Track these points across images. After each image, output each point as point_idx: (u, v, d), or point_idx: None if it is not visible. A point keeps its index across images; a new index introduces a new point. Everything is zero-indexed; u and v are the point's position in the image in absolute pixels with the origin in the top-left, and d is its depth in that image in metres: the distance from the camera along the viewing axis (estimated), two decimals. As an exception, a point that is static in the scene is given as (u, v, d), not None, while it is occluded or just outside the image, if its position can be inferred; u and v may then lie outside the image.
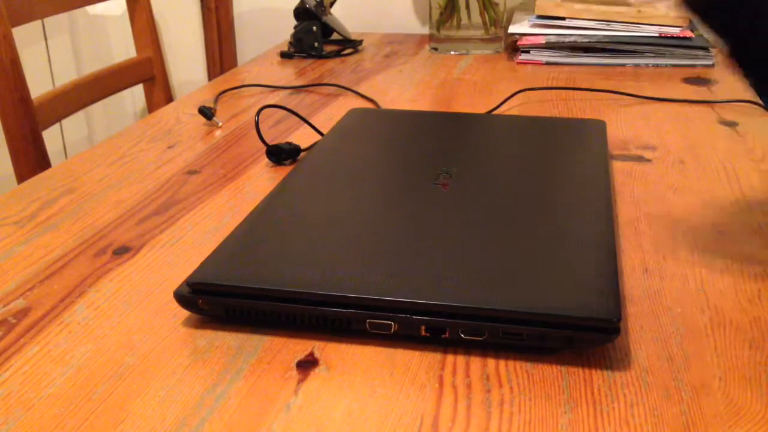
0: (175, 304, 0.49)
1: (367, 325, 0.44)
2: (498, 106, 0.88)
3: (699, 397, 0.40)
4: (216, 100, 0.95)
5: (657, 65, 1.08)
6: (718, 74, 1.03)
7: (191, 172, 0.72)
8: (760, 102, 0.89)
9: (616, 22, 1.10)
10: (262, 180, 0.70)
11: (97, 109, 1.61)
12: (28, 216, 0.63)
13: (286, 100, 0.95)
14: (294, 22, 1.22)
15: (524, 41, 1.11)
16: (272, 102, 0.94)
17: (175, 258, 0.56)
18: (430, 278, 0.45)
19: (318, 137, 0.80)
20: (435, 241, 0.49)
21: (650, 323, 0.46)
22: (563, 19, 1.11)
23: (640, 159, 0.73)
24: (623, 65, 1.08)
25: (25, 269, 0.54)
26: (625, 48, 1.08)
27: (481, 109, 0.89)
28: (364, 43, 1.28)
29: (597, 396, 0.40)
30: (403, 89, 0.99)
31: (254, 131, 0.83)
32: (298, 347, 0.45)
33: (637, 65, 1.08)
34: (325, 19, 1.20)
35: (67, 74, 1.59)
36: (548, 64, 1.10)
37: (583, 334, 0.42)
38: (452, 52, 1.19)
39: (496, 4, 1.16)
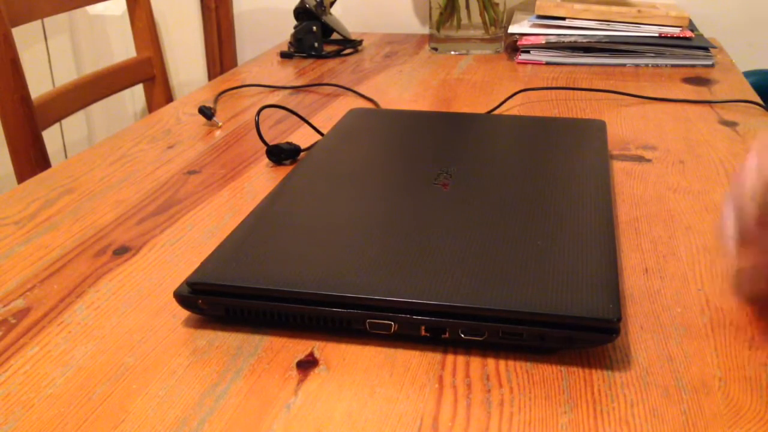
0: (175, 304, 0.49)
1: (367, 325, 0.44)
2: (498, 106, 0.88)
3: (699, 397, 0.40)
4: (216, 100, 0.95)
5: (657, 65, 1.08)
6: (718, 74, 1.03)
7: (191, 172, 0.72)
8: (760, 102, 0.89)
9: (616, 22, 1.10)
10: (262, 180, 0.70)
11: (97, 109, 1.61)
12: (28, 216, 0.63)
13: (286, 100, 0.95)
14: (294, 22, 1.22)
15: (524, 41, 1.11)
16: (272, 102, 0.94)
17: (175, 258, 0.56)
18: (430, 278, 0.45)
19: (318, 137, 0.80)
20: (435, 241, 0.49)
21: (650, 323, 0.46)
22: (563, 19, 1.11)
23: (640, 159, 0.73)
24: (623, 65, 1.08)
25: (25, 269, 0.54)
26: (625, 48, 1.08)
27: (481, 109, 0.89)
28: (364, 43, 1.28)
29: (597, 396, 0.40)
30: (403, 89, 0.99)
31: (254, 131, 0.83)
32: (298, 347, 0.45)
33: (637, 65, 1.08)
34: (325, 19, 1.20)
35: (67, 74, 1.59)
36: (548, 64, 1.10)
37: (583, 334, 0.42)
38: (452, 52, 1.19)
39: (496, 4, 1.16)
